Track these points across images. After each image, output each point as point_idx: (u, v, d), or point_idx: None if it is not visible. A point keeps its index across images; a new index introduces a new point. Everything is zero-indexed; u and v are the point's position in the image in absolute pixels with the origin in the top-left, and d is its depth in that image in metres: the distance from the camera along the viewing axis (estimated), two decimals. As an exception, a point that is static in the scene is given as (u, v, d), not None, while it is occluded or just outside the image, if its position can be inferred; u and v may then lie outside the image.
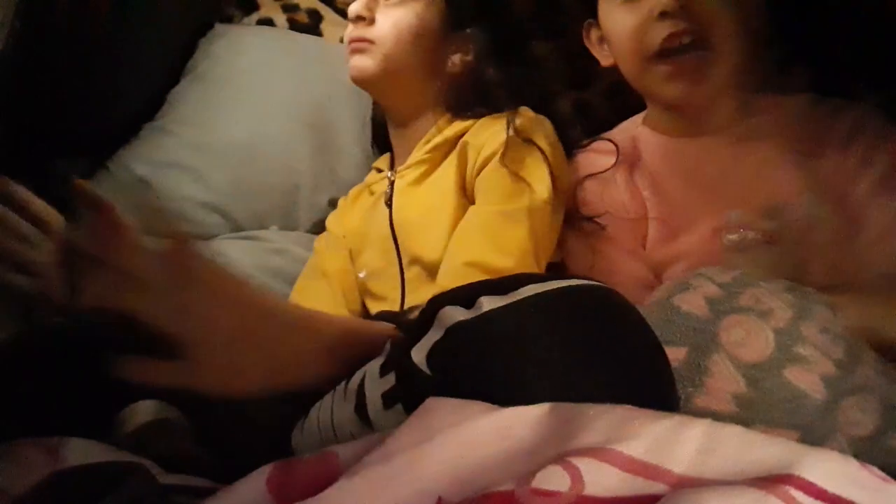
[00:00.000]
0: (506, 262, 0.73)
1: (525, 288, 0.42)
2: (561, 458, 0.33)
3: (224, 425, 0.66)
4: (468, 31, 0.90)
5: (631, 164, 0.86)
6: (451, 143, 0.87)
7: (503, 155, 0.79)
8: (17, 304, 0.57)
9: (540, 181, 0.79)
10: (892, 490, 0.33)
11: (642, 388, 0.40)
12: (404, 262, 0.86)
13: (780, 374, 0.53)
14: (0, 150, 0.89)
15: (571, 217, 0.85)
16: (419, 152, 0.89)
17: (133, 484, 0.39)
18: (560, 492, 0.32)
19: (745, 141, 0.81)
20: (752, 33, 0.77)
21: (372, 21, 0.88)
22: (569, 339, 0.39)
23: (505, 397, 0.37)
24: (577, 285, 0.42)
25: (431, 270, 0.81)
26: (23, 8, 0.87)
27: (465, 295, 0.43)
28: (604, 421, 0.35)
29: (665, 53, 0.77)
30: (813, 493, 0.31)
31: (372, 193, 0.98)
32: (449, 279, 0.74)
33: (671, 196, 0.82)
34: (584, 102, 1.07)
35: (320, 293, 0.95)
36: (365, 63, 0.88)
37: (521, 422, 0.36)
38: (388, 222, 0.89)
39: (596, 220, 0.83)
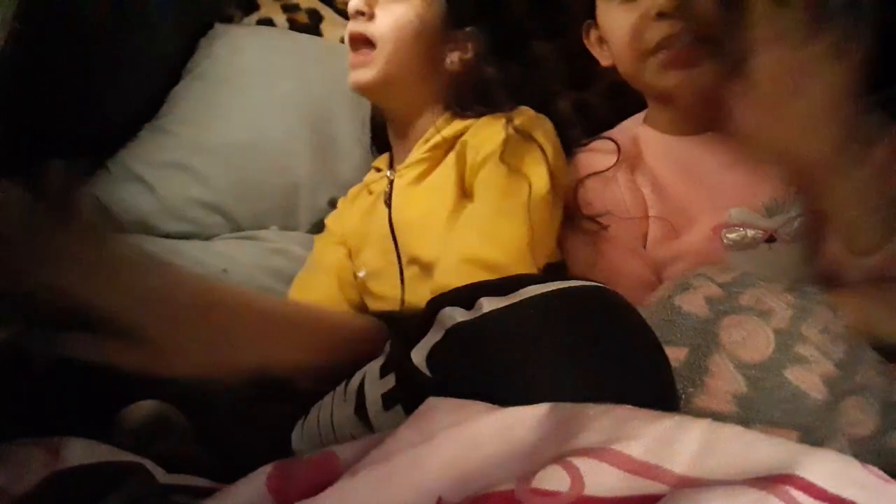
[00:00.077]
0: (502, 257, 0.73)
1: (525, 289, 0.42)
2: (561, 458, 0.33)
3: (224, 425, 0.66)
4: (468, 29, 0.90)
5: (632, 164, 0.86)
6: (451, 143, 0.87)
7: (502, 152, 0.79)
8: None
9: (538, 176, 0.79)
10: (892, 490, 0.33)
11: (642, 389, 0.40)
12: (403, 261, 0.86)
13: (780, 374, 0.53)
14: (0, 150, 0.89)
15: (572, 216, 0.85)
16: (418, 151, 0.89)
17: (133, 484, 0.39)
18: (560, 492, 0.32)
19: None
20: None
21: (371, 16, 0.88)
22: (569, 340, 0.39)
23: (505, 398, 0.37)
24: (577, 286, 0.42)
25: (430, 270, 0.81)
26: (23, 8, 0.87)
27: (465, 296, 0.43)
28: (604, 421, 0.35)
29: (660, 48, 0.77)
30: (813, 494, 0.31)
31: (371, 193, 0.98)
32: (446, 276, 0.74)
33: (672, 195, 0.82)
34: (584, 102, 1.07)
35: (318, 286, 0.95)
36: (365, 76, 0.88)
37: (521, 422, 0.36)
38: (387, 222, 0.89)
39: (597, 219, 0.83)
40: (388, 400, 0.44)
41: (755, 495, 0.30)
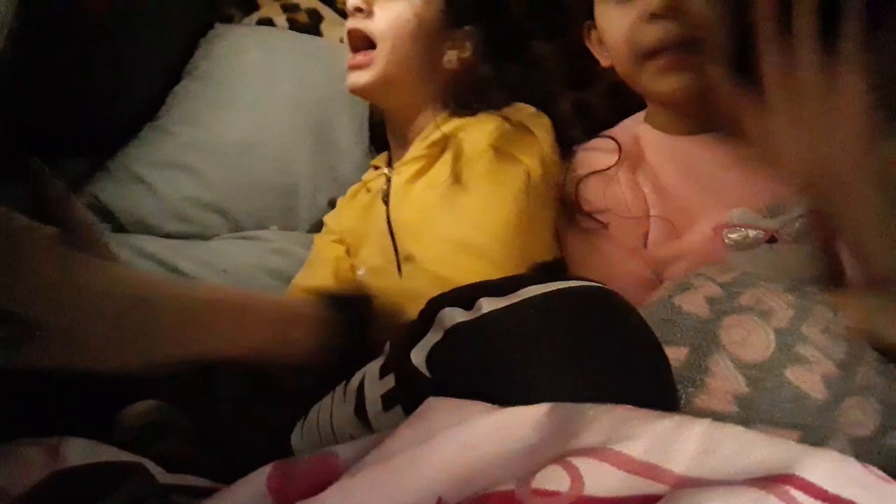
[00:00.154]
0: (488, 241, 0.73)
1: (525, 289, 0.42)
2: (561, 458, 0.33)
3: (224, 425, 0.66)
4: (466, 28, 0.90)
5: (633, 163, 0.86)
6: (448, 140, 0.87)
7: (495, 141, 0.79)
8: None
9: (532, 159, 0.79)
10: (892, 490, 0.33)
11: (642, 389, 0.40)
12: (401, 258, 0.86)
13: (780, 374, 0.53)
14: (0, 150, 0.89)
15: (572, 214, 0.85)
16: (416, 148, 0.89)
17: (133, 484, 0.39)
18: (560, 492, 0.32)
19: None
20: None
21: (370, 14, 0.88)
22: (569, 340, 0.39)
23: (505, 398, 0.37)
24: (577, 286, 0.42)
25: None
26: (23, 8, 0.87)
27: (465, 296, 0.43)
28: (604, 421, 0.35)
29: (657, 52, 0.77)
30: (813, 494, 0.31)
31: (369, 191, 0.98)
32: (434, 263, 0.74)
33: (673, 194, 0.82)
34: (584, 102, 1.07)
35: (313, 280, 0.95)
36: (363, 78, 0.88)
37: (521, 422, 0.36)
38: (385, 219, 0.89)
39: (597, 217, 0.83)
40: (388, 400, 0.44)
41: (755, 495, 0.30)
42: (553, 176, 0.83)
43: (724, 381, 0.54)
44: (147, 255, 1.01)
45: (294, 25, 1.29)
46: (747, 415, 0.53)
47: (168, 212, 1.10)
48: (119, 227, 1.09)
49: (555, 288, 0.41)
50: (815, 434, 0.52)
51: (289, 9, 1.30)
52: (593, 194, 0.85)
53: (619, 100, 0.96)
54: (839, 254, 0.71)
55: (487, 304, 0.41)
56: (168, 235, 1.09)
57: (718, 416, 0.49)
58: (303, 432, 0.53)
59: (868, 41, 0.51)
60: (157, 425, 0.63)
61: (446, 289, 0.65)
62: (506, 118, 0.83)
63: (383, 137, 1.02)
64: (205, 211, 1.11)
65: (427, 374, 0.41)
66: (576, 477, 0.32)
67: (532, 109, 0.86)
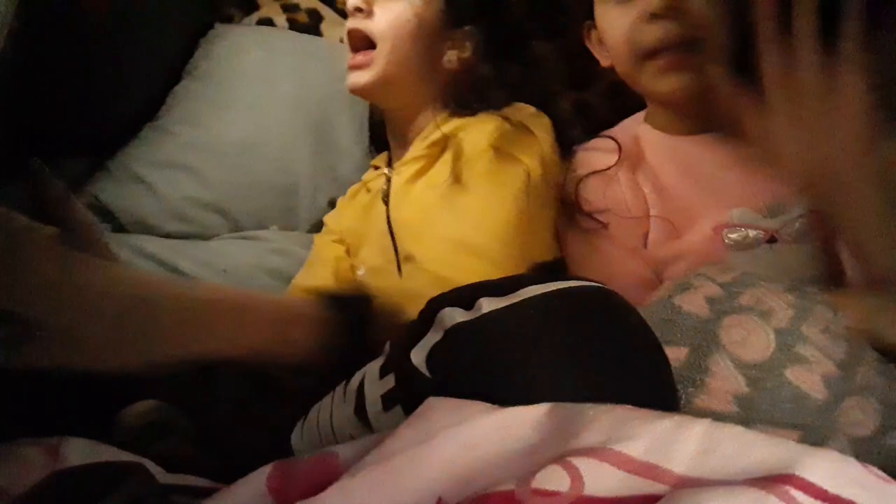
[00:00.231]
0: (487, 241, 0.73)
1: (525, 289, 0.42)
2: (561, 458, 0.33)
3: (224, 425, 0.66)
4: (466, 28, 0.90)
5: (633, 163, 0.86)
6: (447, 140, 0.87)
7: (495, 141, 0.79)
8: None
9: (532, 159, 0.79)
10: (892, 490, 0.33)
11: (642, 389, 0.40)
12: (401, 258, 0.86)
13: (780, 374, 0.53)
14: (0, 150, 0.89)
15: (573, 214, 0.85)
16: (416, 148, 0.89)
17: (133, 484, 0.39)
18: (560, 492, 0.32)
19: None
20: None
21: (370, 13, 0.88)
22: (568, 340, 0.39)
23: (505, 398, 0.37)
24: (577, 286, 0.42)
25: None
26: (23, 8, 0.87)
27: (465, 296, 0.43)
28: (604, 421, 0.35)
29: (657, 52, 0.77)
30: (813, 494, 0.31)
31: (369, 191, 0.98)
32: (433, 263, 0.73)
33: (673, 194, 0.82)
34: (584, 102, 1.07)
35: (313, 279, 0.95)
36: (362, 78, 0.88)
37: (521, 422, 0.36)
38: (385, 219, 0.89)
39: (597, 217, 0.83)
40: (388, 400, 0.44)
41: (755, 495, 0.30)
42: (553, 176, 0.83)
43: (724, 381, 0.54)
44: (147, 255, 1.01)
45: (294, 25, 1.29)
46: (747, 415, 0.53)
47: (168, 212, 1.10)
48: (119, 227, 1.09)
49: (555, 288, 0.41)
50: (815, 434, 0.52)
51: (289, 9, 1.30)
52: (593, 194, 0.85)
53: (619, 100, 0.96)
54: (839, 254, 0.71)
55: (487, 304, 0.41)
56: (168, 235, 1.09)
57: (718, 416, 0.49)
58: (303, 432, 0.53)
59: (868, 41, 0.51)
60: (157, 425, 0.63)
61: (446, 289, 0.65)
62: (506, 118, 0.83)
63: (383, 137, 1.02)
64: (205, 211, 1.11)
65: (427, 374, 0.41)
66: (576, 477, 0.32)
67: (532, 109, 0.86)
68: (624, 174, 0.85)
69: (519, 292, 0.41)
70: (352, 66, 0.90)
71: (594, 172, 0.86)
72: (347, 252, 0.98)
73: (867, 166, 0.54)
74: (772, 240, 0.75)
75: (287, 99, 1.17)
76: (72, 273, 0.45)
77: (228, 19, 1.31)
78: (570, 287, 0.42)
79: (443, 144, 0.87)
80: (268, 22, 1.30)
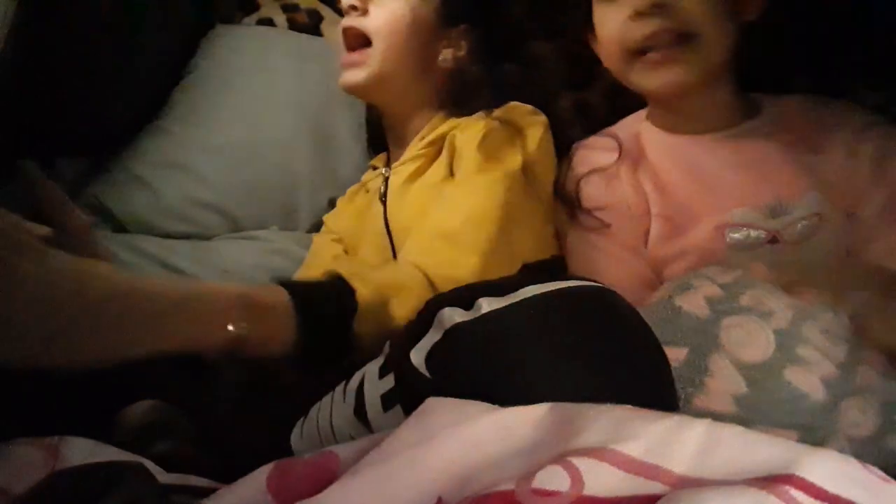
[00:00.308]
0: (458, 224, 0.72)
1: (524, 289, 0.42)
2: (561, 458, 0.33)
3: (224, 425, 0.66)
4: (462, 27, 0.90)
5: (635, 161, 0.86)
6: (443, 140, 0.87)
7: (481, 140, 0.79)
8: None
9: (510, 156, 0.79)
10: (892, 490, 0.33)
11: (642, 388, 0.40)
12: (399, 258, 0.87)
13: (780, 374, 0.53)
14: (0, 150, 0.89)
15: (573, 212, 0.85)
16: (414, 148, 0.89)
17: (133, 484, 0.39)
18: (560, 492, 0.32)
19: (748, 139, 0.81)
20: (736, 25, 0.78)
21: (365, 11, 0.88)
22: (568, 340, 0.39)
23: (504, 398, 0.37)
24: (577, 286, 0.42)
25: None
26: (23, 8, 0.87)
27: (464, 296, 0.43)
28: (604, 421, 0.35)
29: (645, 50, 0.77)
30: (813, 494, 0.31)
31: (367, 191, 0.98)
32: (410, 253, 0.73)
33: (675, 193, 0.82)
34: (584, 102, 1.07)
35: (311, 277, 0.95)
36: (356, 77, 0.88)
37: (520, 422, 0.36)
38: (382, 219, 0.89)
39: (598, 215, 0.83)
40: (388, 400, 0.44)
41: (755, 495, 0.30)
42: (542, 172, 0.83)
43: (724, 381, 0.54)
44: (147, 255, 1.01)
45: (294, 25, 1.29)
46: (747, 415, 0.53)
47: (168, 212, 1.10)
48: (119, 227, 1.09)
49: (554, 288, 0.41)
50: (814, 434, 0.52)
51: (289, 9, 1.30)
52: (594, 192, 0.85)
53: (619, 100, 0.96)
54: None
55: (487, 304, 0.41)
56: (168, 235, 1.09)
57: (718, 417, 0.49)
58: (303, 432, 0.53)
59: None
60: (157, 425, 0.63)
61: (422, 278, 0.65)
62: (496, 118, 0.83)
63: (381, 137, 1.02)
64: (205, 211, 1.11)
65: (427, 374, 0.41)
66: (576, 477, 0.32)
67: (528, 108, 0.86)
68: (625, 172, 0.85)
69: (518, 292, 0.41)
70: (346, 64, 0.90)
71: (595, 170, 0.85)
72: (346, 251, 0.98)
73: None
74: (773, 240, 0.75)
75: (287, 99, 1.17)
76: (47, 271, 0.45)
77: (228, 19, 1.30)
78: (569, 287, 0.42)
79: (439, 145, 0.87)
80: (268, 22, 1.30)
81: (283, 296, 0.57)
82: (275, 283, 0.58)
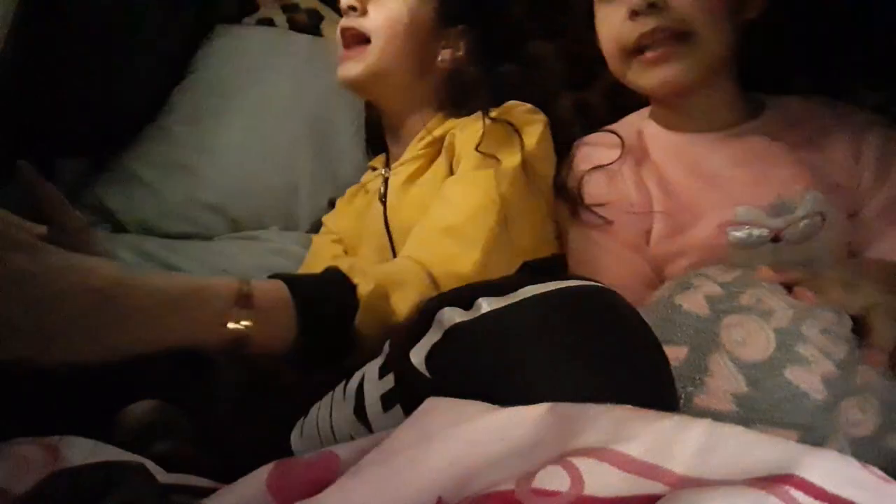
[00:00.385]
0: (455, 218, 0.72)
1: (524, 289, 0.42)
2: (561, 458, 0.33)
3: (224, 425, 0.66)
4: (460, 27, 0.90)
5: (637, 158, 0.86)
6: (443, 140, 0.87)
7: (480, 141, 0.79)
8: None
9: (510, 153, 0.79)
10: (892, 490, 0.33)
11: (642, 388, 0.40)
12: (399, 254, 0.86)
13: (780, 373, 0.53)
14: (0, 150, 0.89)
15: (575, 209, 0.85)
16: (413, 149, 0.89)
17: (133, 484, 0.39)
18: (560, 491, 0.32)
19: (751, 138, 0.81)
20: (735, 24, 0.78)
21: (364, 12, 0.88)
22: (568, 340, 0.39)
23: (504, 398, 0.37)
24: (576, 286, 0.42)
25: None
26: (23, 8, 0.87)
27: (464, 296, 0.43)
28: (604, 421, 0.35)
29: (641, 49, 0.78)
30: (813, 494, 0.31)
31: (367, 192, 0.98)
32: (408, 249, 0.73)
33: (677, 190, 0.82)
34: (584, 102, 1.07)
35: None
36: (353, 70, 0.88)
37: (520, 422, 0.36)
38: (382, 220, 0.89)
39: (600, 212, 0.83)
40: (388, 400, 0.44)
41: (755, 495, 0.30)
42: (541, 169, 0.83)
43: (724, 380, 0.54)
44: (147, 255, 1.01)
45: (294, 25, 1.29)
46: (747, 414, 0.53)
47: (168, 212, 1.10)
48: (119, 227, 1.09)
49: (554, 288, 0.41)
50: (814, 434, 0.52)
51: (289, 9, 1.30)
52: (597, 189, 0.85)
53: (619, 99, 0.96)
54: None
55: (487, 304, 0.41)
56: (168, 235, 1.09)
57: (718, 416, 0.49)
58: (303, 432, 0.53)
59: None
60: (157, 425, 0.63)
61: (423, 273, 0.65)
62: (495, 117, 0.83)
63: (380, 138, 1.02)
64: (205, 211, 1.11)
65: (426, 373, 0.41)
66: (576, 477, 0.32)
67: (527, 107, 0.86)
68: (628, 169, 0.85)
69: (518, 292, 0.41)
70: (342, 59, 0.90)
71: (598, 167, 0.86)
72: (346, 252, 0.98)
73: None
74: (775, 239, 0.75)
75: (287, 99, 1.17)
76: (47, 269, 0.45)
77: (228, 19, 1.31)
78: (569, 286, 0.42)
79: (439, 145, 0.87)
80: (268, 22, 1.30)
81: (283, 291, 0.56)
82: (274, 279, 0.58)
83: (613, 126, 0.91)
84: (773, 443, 0.34)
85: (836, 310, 0.57)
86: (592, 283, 0.44)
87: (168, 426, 0.63)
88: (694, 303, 0.59)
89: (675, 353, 0.56)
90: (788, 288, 0.60)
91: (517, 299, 0.41)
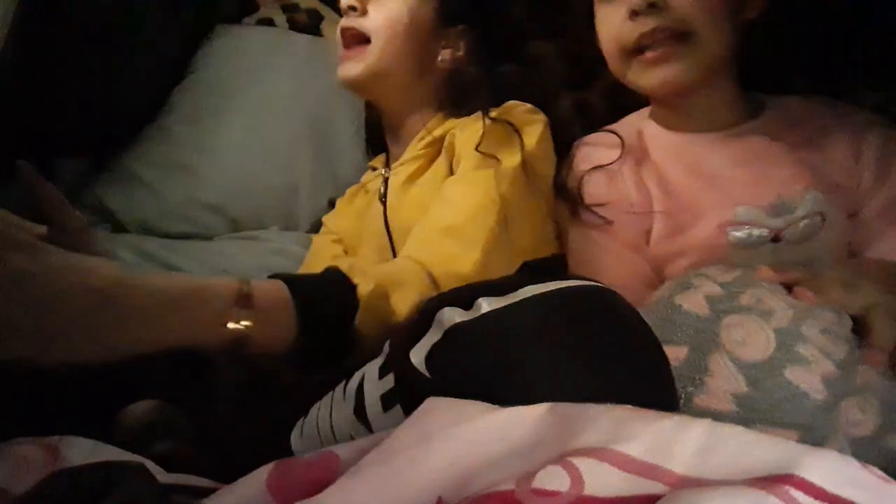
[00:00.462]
0: (455, 218, 0.72)
1: (524, 289, 0.42)
2: (561, 458, 0.33)
3: (224, 425, 0.66)
4: (460, 27, 0.90)
5: (638, 158, 0.86)
6: (443, 141, 0.87)
7: (480, 141, 0.79)
8: None
9: (509, 154, 0.79)
10: (891, 490, 0.33)
11: (642, 388, 0.40)
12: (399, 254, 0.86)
13: (780, 373, 0.53)
14: (0, 150, 0.89)
15: (575, 209, 0.85)
16: (413, 149, 0.89)
17: (133, 484, 0.39)
18: (560, 491, 0.32)
19: (751, 138, 0.81)
20: (735, 24, 0.78)
21: (364, 12, 0.88)
22: (568, 340, 0.39)
23: (504, 398, 0.37)
24: (576, 286, 0.42)
25: None
26: (23, 8, 0.87)
27: (464, 296, 0.43)
28: (604, 421, 0.35)
29: (641, 49, 0.78)
30: (813, 494, 0.31)
31: (367, 192, 0.98)
32: (408, 248, 0.73)
33: (678, 190, 0.82)
34: (584, 102, 1.07)
35: None
36: (353, 70, 0.88)
37: (520, 422, 0.36)
38: (382, 220, 0.89)
39: (600, 212, 0.83)
40: (388, 400, 0.44)
41: (755, 495, 0.30)
42: (541, 169, 0.83)
43: (724, 380, 0.54)
44: (147, 255, 1.01)
45: (294, 25, 1.29)
46: (747, 414, 0.53)
47: (168, 212, 1.10)
48: (119, 227, 1.09)
49: (554, 288, 0.41)
50: (814, 434, 0.52)
51: (289, 9, 1.30)
52: (597, 189, 0.85)
53: (619, 99, 0.96)
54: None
55: (487, 304, 0.41)
56: (168, 235, 1.09)
57: (718, 416, 0.49)
58: (303, 432, 0.53)
59: None
60: (157, 425, 0.63)
61: (423, 273, 0.65)
62: (495, 117, 0.83)
63: (380, 138, 1.02)
64: (205, 211, 1.11)
65: (426, 373, 0.41)
66: (576, 477, 0.32)
67: (527, 107, 0.86)
68: (628, 169, 0.85)
69: (518, 292, 0.41)
70: (342, 59, 0.90)
71: (598, 167, 0.86)
72: (346, 252, 0.98)
73: None
74: (775, 239, 0.75)
75: (287, 99, 1.17)
76: (47, 269, 0.45)
77: (228, 19, 1.31)
78: (569, 286, 0.42)
79: (439, 145, 0.87)
80: (268, 22, 1.30)
81: (283, 291, 0.56)
82: (274, 279, 0.58)
83: (613, 126, 0.91)
84: (773, 443, 0.34)
85: (836, 310, 0.57)
86: (592, 283, 0.44)
87: (168, 426, 0.63)
88: (694, 303, 0.59)
89: (675, 353, 0.56)
90: (788, 288, 0.60)
91: (517, 299, 0.41)
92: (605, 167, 0.85)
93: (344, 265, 0.64)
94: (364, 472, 0.35)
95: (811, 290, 0.58)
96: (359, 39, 0.89)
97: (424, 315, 0.44)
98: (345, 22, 0.90)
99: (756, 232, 0.75)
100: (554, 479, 0.32)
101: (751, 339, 0.55)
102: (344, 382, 0.50)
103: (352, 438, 0.45)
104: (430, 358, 0.41)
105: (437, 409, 0.38)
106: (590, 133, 0.93)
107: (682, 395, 0.54)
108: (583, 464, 0.33)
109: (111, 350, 0.47)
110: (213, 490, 0.41)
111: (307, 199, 1.15)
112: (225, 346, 0.52)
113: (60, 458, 0.48)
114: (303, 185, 1.14)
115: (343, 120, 1.19)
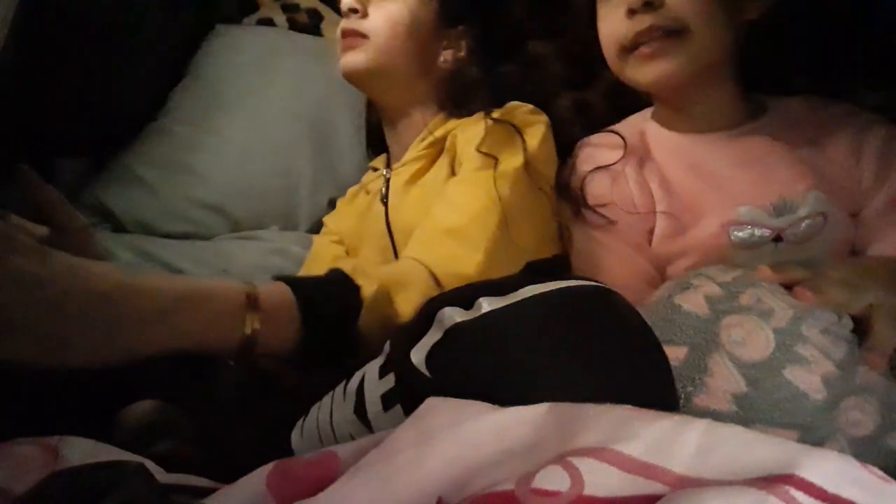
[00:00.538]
0: (458, 220, 0.72)
1: (524, 289, 0.42)
2: (561, 458, 0.33)
3: (224, 425, 0.66)
4: (461, 28, 0.90)
5: (640, 158, 0.86)
6: (444, 141, 0.87)
7: (481, 142, 0.79)
8: None
9: (512, 154, 0.79)
10: (891, 490, 0.33)
11: (642, 388, 0.40)
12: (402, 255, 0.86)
13: (780, 374, 0.53)
14: (0, 150, 0.89)
15: (578, 210, 0.85)
16: (414, 150, 0.89)
17: (133, 484, 0.39)
18: (560, 492, 0.32)
19: (753, 138, 0.81)
20: (734, 24, 0.78)
21: (365, 14, 0.88)
22: (568, 340, 0.39)
23: (504, 398, 0.37)
24: (577, 286, 0.42)
25: None
26: (23, 8, 0.87)
27: (465, 296, 0.43)
28: (604, 421, 0.35)
29: (638, 46, 0.79)
30: (813, 494, 0.31)
31: (368, 193, 0.98)
32: (411, 249, 0.73)
33: (680, 190, 0.82)
34: (584, 102, 1.07)
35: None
36: (356, 59, 0.88)
37: (520, 422, 0.36)
38: (383, 220, 0.89)
39: (603, 212, 0.83)
40: (388, 400, 0.44)
41: (755, 495, 0.30)
42: (543, 170, 0.83)
43: (724, 380, 0.54)
44: (147, 255, 1.01)
45: (294, 25, 1.29)
46: (746, 415, 0.53)
47: (168, 212, 1.10)
48: (119, 227, 1.09)
49: (554, 287, 0.41)
50: (814, 434, 0.52)
51: (289, 9, 1.30)
52: (599, 189, 0.85)
53: (619, 99, 0.96)
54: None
55: (487, 304, 0.41)
56: (168, 235, 1.09)
57: (718, 416, 0.50)
58: (303, 432, 0.53)
59: None
60: (157, 425, 0.63)
61: (426, 274, 0.65)
62: (496, 118, 0.83)
63: (380, 139, 1.02)
64: (205, 211, 1.11)
65: (427, 373, 0.41)
66: (576, 477, 0.32)
67: (529, 107, 0.86)
68: (631, 170, 0.85)
69: (518, 292, 0.41)
70: (344, 48, 0.89)
71: (600, 168, 0.86)
72: (347, 253, 0.98)
73: None
74: (777, 239, 0.75)
75: (287, 99, 1.17)
76: (48, 271, 0.45)
77: (228, 19, 1.31)
78: (569, 287, 0.42)
79: (440, 146, 0.87)
80: (268, 22, 1.30)
81: (287, 293, 0.57)
82: (278, 281, 0.58)
83: (616, 126, 0.92)
84: (772, 443, 0.34)
85: (836, 310, 0.57)
86: (592, 283, 0.44)
87: (168, 426, 0.63)
88: (694, 303, 0.59)
89: (675, 353, 0.56)
90: (788, 288, 0.60)
91: (517, 299, 0.41)
92: (608, 168, 0.85)
93: (347, 266, 0.64)
94: (364, 472, 0.35)
95: (811, 290, 0.58)
96: (358, 41, 0.89)
97: (425, 315, 0.44)
98: (345, 24, 0.90)
99: (758, 232, 0.75)
100: (554, 479, 0.32)
101: (750, 339, 0.55)
102: (344, 382, 0.50)
103: (352, 438, 0.45)
104: (430, 358, 0.41)
105: (438, 409, 0.38)
106: (590, 133, 0.93)
107: (682, 395, 0.55)
108: (583, 464, 0.33)
109: (115, 354, 0.47)
110: (213, 490, 0.41)
111: (307, 199, 1.15)
112: (235, 349, 0.52)
113: (60, 458, 0.48)
114: (303, 185, 1.14)
115: (343, 120, 1.19)
